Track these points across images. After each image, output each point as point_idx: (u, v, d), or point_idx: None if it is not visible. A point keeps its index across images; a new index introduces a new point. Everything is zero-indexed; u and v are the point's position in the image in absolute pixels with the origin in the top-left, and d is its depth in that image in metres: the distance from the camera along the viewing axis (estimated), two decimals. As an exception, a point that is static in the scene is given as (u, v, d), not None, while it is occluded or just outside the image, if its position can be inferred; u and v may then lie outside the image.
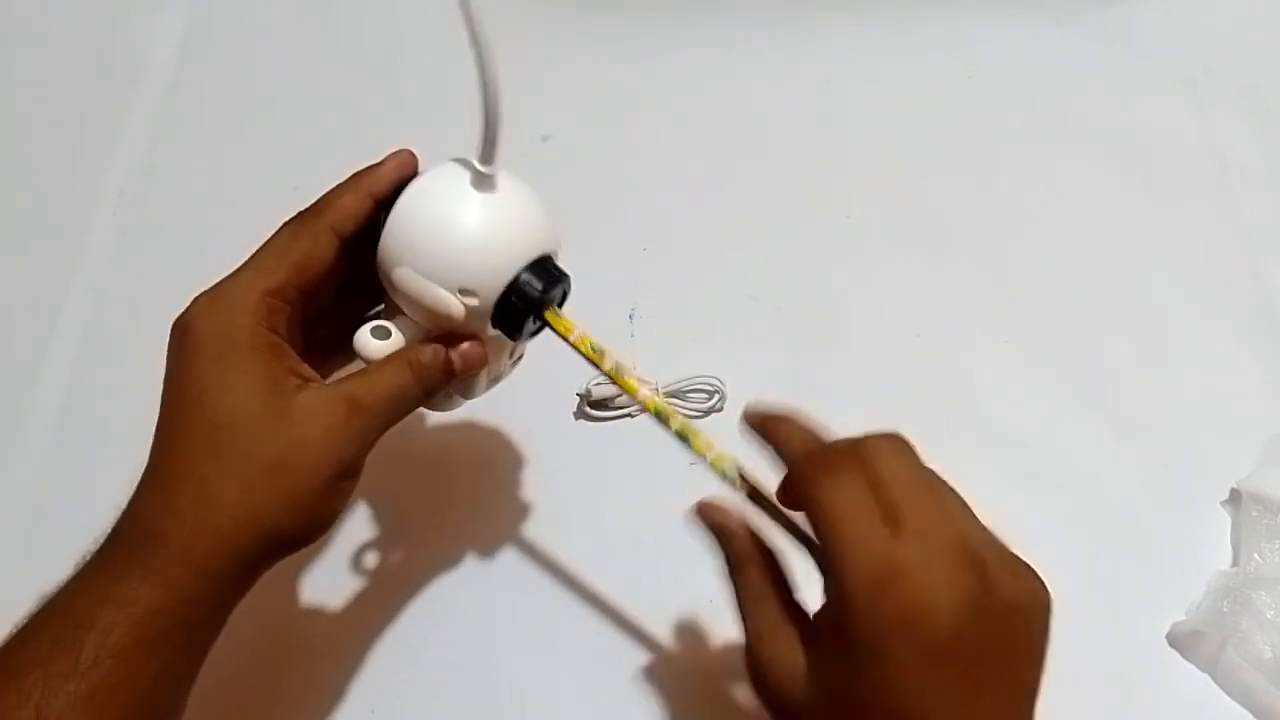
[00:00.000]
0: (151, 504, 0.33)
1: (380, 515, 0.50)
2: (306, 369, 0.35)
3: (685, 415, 0.52)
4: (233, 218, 0.59)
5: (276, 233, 0.36)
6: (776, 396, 0.53)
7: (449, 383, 0.37)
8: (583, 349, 0.36)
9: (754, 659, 0.33)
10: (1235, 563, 0.48)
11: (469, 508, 0.51)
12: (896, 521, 0.30)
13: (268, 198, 0.60)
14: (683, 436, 0.36)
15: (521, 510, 0.50)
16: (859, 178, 0.61)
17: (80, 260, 0.58)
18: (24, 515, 0.51)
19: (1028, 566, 0.32)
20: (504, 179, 0.35)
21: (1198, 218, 0.59)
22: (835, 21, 0.67)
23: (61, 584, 0.33)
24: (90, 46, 0.66)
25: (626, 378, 0.36)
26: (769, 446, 0.36)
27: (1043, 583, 0.32)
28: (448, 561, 0.49)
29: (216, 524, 0.32)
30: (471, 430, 0.51)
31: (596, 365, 0.36)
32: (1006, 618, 0.30)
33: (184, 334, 0.34)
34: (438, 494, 0.51)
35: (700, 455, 0.36)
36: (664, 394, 0.51)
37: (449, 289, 0.34)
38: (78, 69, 0.66)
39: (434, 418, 0.51)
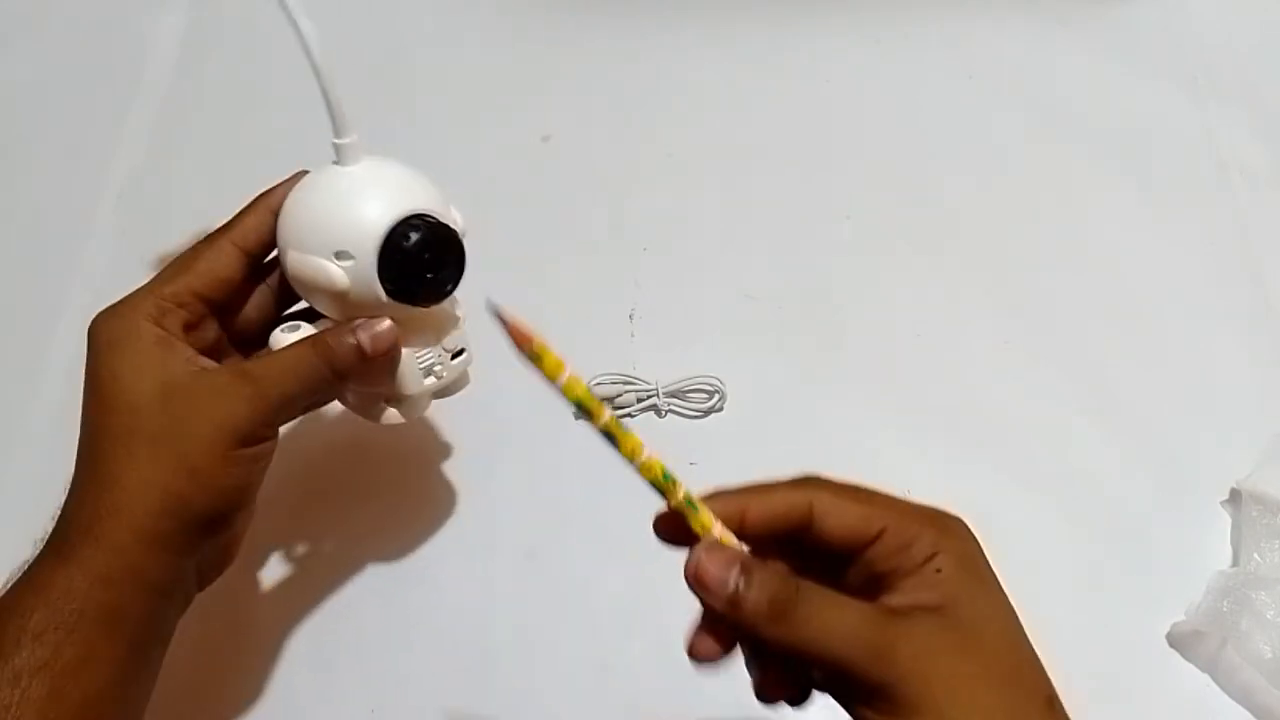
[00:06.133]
0: (72, 497, 0.35)
1: (380, 517, 0.50)
2: (205, 360, 0.36)
3: (687, 414, 0.52)
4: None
5: (181, 254, 0.38)
6: (777, 396, 0.54)
7: (362, 364, 0.37)
8: (531, 349, 0.29)
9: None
10: (1235, 563, 0.48)
11: (469, 509, 0.51)
12: None
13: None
14: (609, 434, 0.30)
15: (522, 510, 0.50)
16: (859, 178, 0.61)
17: (80, 260, 0.58)
18: (24, 513, 0.51)
19: None
20: (371, 156, 0.37)
21: (1198, 218, 0.59)
22: (835, 21, 0.67)
23: (10, 582, 0.34)
24: (90, 46, 0.67)
25: (566, 374, 0.30)
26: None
27: None
28: (448, 563, 0.49)
29: (116, 500, 0.33)
30: (471, 431, 0.51)
31: (545, 375, 0.30)
32: None
33: (88, 338, 0.36)
34: (437, 496, 0.51)
35: (629, 458, 0.31)
36: (664, 394, 0.52)
37: (325, 256, 0.36)
38: (78, 69, 0.66)
39: (438, 422, 0.51)
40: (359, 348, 0.37)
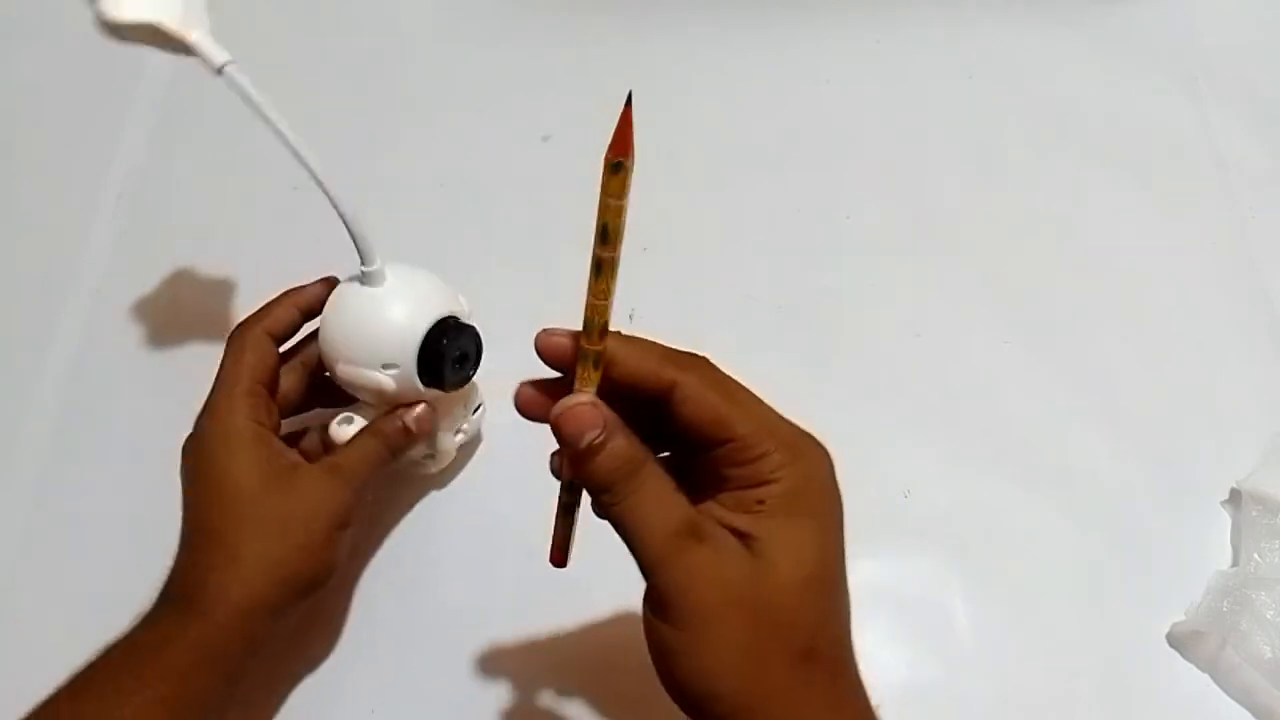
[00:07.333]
0: (191, 566, 0.41)
1: (380, 517, 0.50)
2: (291, 452, 0.43)
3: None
4: (233, 218, 0.59)
5: (228, 348, 0.44)
6: (776, 396, 0.53)
7: (411, 442, 0.45)
8: (624, 159, 0.30)
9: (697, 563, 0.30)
10: (1235, 563, 0.48)
11: (469, 509, 0.51)
12: None
13: (268, 198, 0.61)
14: (603, 266, 0.30)
15: (522, 510, 0.50)
16: (859, 178, 0.61)
17: (80, 260, 0.58)
18: (24, 515, 0.51)
19: None
20: (391, 269, 0.43)
21: (1198, 218, 0.59)
22: (835, 21, 0.67)
23: (118, 638, 0.39)
24: (90, 46, 0.66)
25: (623, 202, 0.30)
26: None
27: None
28: (450, 561, 0.49)
29: (246, 574, 0.40)
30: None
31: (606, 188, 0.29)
32: None
33: (198, 442, 0.42)
34: (437, 495, 0.51)
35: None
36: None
37: (374, 369, 0.42)
38: (78, 69, 0.66)
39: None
40: (408, 430, 0.44)
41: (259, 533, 0.40)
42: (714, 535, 0.31)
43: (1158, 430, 0.52)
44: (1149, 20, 0.67)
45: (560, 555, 0.39)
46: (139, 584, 0.46)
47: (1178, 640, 0.46)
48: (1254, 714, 0.44)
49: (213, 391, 0.43)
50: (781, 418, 0.33)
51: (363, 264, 0.42)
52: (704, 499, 0.32)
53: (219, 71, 0.39)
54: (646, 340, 0.33)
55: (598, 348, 0.32)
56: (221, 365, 0.43)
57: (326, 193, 0.40)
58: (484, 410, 0.50)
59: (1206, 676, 0.45)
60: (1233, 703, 0.45)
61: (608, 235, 0.30)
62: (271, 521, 0.40)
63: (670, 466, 0.33)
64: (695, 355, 0.33)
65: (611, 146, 0.28)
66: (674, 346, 0.33)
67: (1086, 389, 0.53)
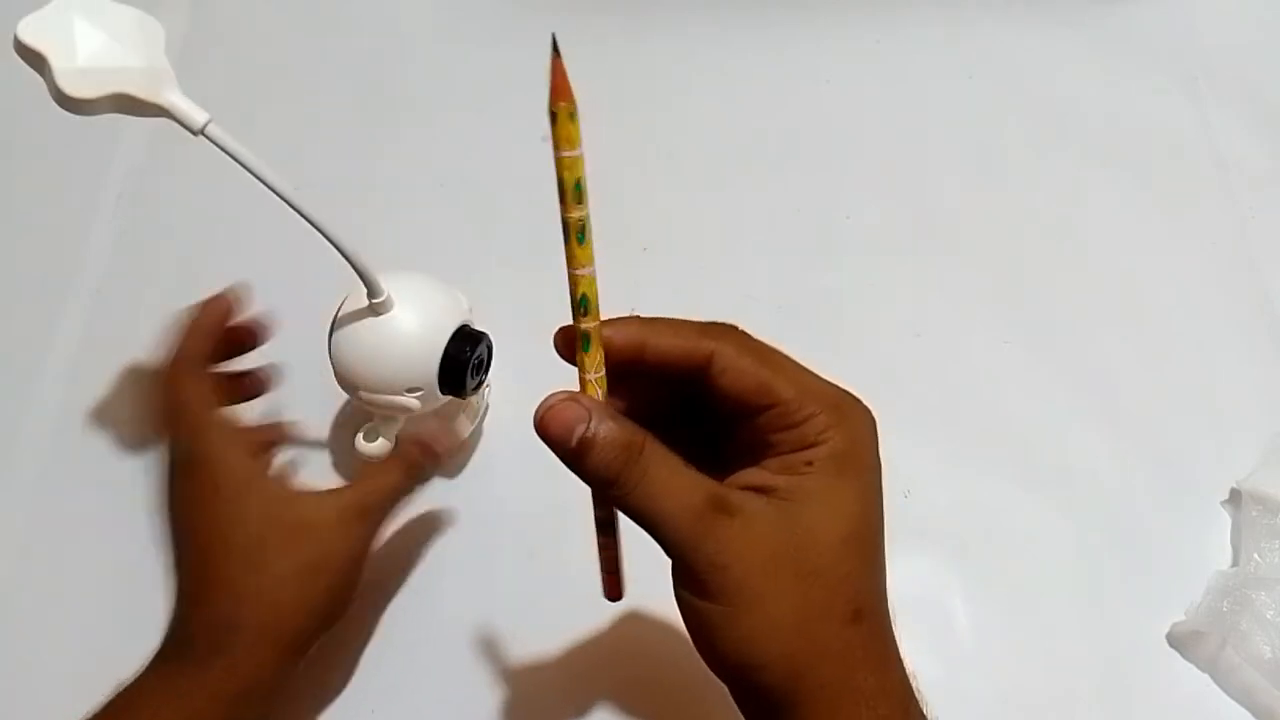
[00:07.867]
0: (211, 616, 0.38)
1: (380, 515, 0.50)
2: (292, 485, 0.42)
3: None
4: (232, 218, 0.59)
5: (170, 389, 0.41)
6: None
7: (436, 464, 0.45)
8: (562, 107, 0.30)
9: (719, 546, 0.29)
10: (1235, 563, 0.48)
11: (469, 509, 0.51)
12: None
13: (268, 198, 0.61)
14: (577, 229, 0.30)
15: (522, 510, 0.50)
16: (859, 178, 0.61)
17: (80, 260, 0.58)
18: (24, 515, 0.51)
19: None
20: (393, 287, 0.42)
21: (1198, 217, 0.59)
22: (835, 21, 0.67)
23: (131, 682, 0.38)
24: (90, 46, 0.66)
25: (576, 151, 0.31)
26: None
27: None
28: (450, 559, 0.49)
29: (282, 622, 0.39)
30: (471, 429, 0.51)
31: (554, 137, 0.31)
32: None
33: (194, 491, 0.40)
34: (437, 495, 0.51)
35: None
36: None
37: (398, 394, 0.43)
38: (78, 69, 0.66)
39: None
40: (436, 455, 0.44)
41: (291, 577, 0.39)
42: (742, 505, 0.30)
43: (1158, 430, 0.52)
44: (1149, 20, 0.67)
45: (615, 585, 0.35)
46: (138, 584, 0.47)
47: (1178, 640, 0.46)
48: (1254, 714, 0.44)
49: (185, 438, 0.41)
50: (822, 379, 0.32)
51: (370, 297, 0.42)
52: (745, 466, 0.31)
53: (199, 132, 0.37)
54: (673, 318, 0.32)
55: (590, 325, 0.29)
56: (177, 412, 0.41)
57: (325, 235, 0.39)
58: (490, 388, 0.51)
59: (1206, 676, 0.45)
60: (1233, 703, 0.45)
61: (572, 191, 0.27)
62: (303, 565, 0.39)
63: (699, 440, 0.32)
64: (726, 324, 0.32)
65: (551, 96, 0.27)
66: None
67: (1086, 389, 0.53)
